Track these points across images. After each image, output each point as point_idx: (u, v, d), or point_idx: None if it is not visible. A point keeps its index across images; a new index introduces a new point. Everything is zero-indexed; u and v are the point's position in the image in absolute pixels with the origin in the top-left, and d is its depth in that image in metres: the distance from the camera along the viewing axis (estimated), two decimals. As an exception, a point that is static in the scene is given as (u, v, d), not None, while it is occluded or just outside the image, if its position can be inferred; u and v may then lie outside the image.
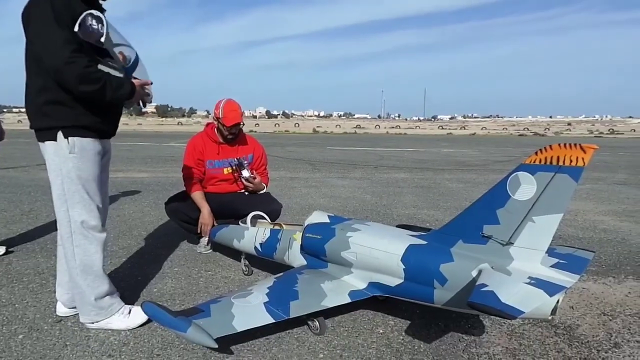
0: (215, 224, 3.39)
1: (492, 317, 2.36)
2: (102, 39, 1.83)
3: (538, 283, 1.69)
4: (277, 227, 2.88)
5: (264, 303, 2.03)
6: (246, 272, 3.06)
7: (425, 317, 2.46)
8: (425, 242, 2.10)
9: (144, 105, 2.11)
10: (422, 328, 2.35)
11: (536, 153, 1.77)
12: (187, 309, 2.13)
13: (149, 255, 3.50)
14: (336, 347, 2.20)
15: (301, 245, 2.51)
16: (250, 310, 2.01)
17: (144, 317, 2.34)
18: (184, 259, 3.43)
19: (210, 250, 3.56)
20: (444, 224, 2.09)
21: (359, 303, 2.30)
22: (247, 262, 3.07)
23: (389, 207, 5.52)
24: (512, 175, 1.83)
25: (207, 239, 3.40)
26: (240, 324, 1.95)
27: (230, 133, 3.47)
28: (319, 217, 2.55)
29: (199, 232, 3.44)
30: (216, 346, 1.87)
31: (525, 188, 1.80)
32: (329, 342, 2.23)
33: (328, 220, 2.52)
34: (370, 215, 5.05)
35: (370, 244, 2.20)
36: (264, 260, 3.04)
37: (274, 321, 1.99)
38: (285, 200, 5.75)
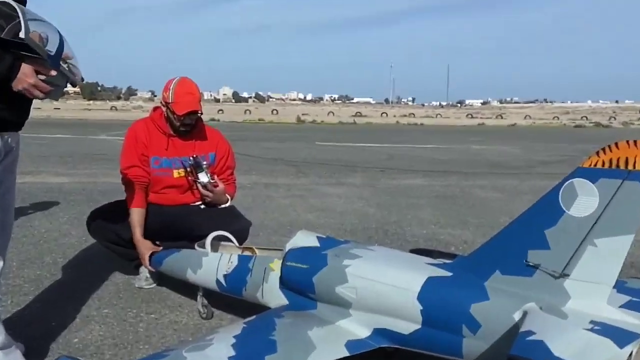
0: (159, 247, 3.37)
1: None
2: None
3: (604, 329, 1.68)
4: (247, 253, 2.86)
5: (229, 358, 2.01)
6: (204, 315, 3.05)
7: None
8: (450, 274, 2.11)
9: (71, 85, 2.09)
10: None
11: (598, 153, 1.78)
12: None
13: (68, 290, 3.46)
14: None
15: (281, 278, 2.50)
16: None
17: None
18: (117, 296, 3.40)
19: (154, 285, 3.54)
20: (474, 247, 2.09)
21: (360, 357, 2.28)
22: (205, 301, 3.06)
23: (400, 224, 5.55)
24: (567, 182, 1.84)
25: (148, 269, 3.38)
26: None
27: (184, 124, 3.47)
28: (305, 239, 2.54)
29: (137, 258, 3.42)
30: None
31: (584, 200, 1.80)
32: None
33: (317, 244, 2.50)
34: (374, 236, 5.07)
35: (375, 275, 2.19)
36: (230, 299, 3.02)
37: None
38: (258, 215, 5.74)
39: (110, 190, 7.02)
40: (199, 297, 3.06)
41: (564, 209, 1.83)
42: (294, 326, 2.23)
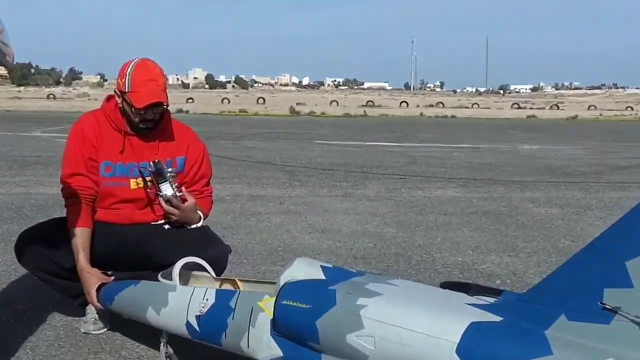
0: (109, 278, 3.37)
1: None
2: None
3: None
4: (227, 287, 2.85)
5: None
6: (169, 367, 3.03)
7: None
8: (500, 319, 2.09)
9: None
10: None
11: None
12: None
13: (-8, 338, 3.44)
14: None
15: (273, 321, 2.48)
16: None
17: None
18: (56, 344, 3.38)
19: (105, 329, 3.52)
20: (527, 281, 2.08)
21: None
22: (170, 351, 3.03)
23: (427, 250, 5.55)
24: None
25: (96, 307, 3.37)
26: None
27: (145, 120, 3.47)
28: (305, 269, 2.53)
29: (82, 294, 3.41)
30: None
31: None
32: None
33: (322, 276, 2.48)
34: (394, 265, 5.08)
35: (400, 320, 2.17)
36: (204, 347, 3.01)
37: None
38: (241, 237, 5.75)
39: (46, 205, 7.04)
40: (162, 345, 3.03)
41: None
42: None
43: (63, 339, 3.44)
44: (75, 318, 3.65)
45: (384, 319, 2.19)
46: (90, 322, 3.52)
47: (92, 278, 3.31)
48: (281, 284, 2.50)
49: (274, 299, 2.49)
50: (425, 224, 6.57)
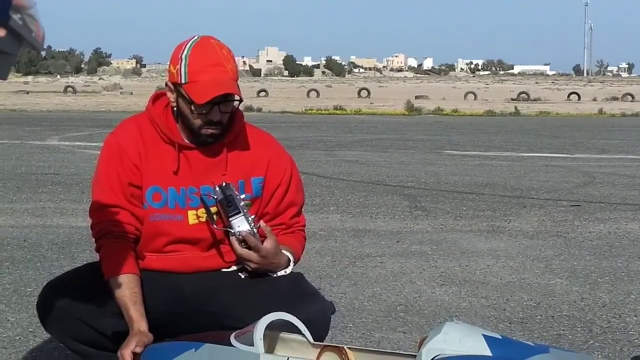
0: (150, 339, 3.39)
1: None
2: None
3: None
4: (331, 357, 2.90)
5: None
6: None
7: None
8: None
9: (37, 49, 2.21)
10: None
11: None
12: None
13: None
14: None
15: (416, 417, 2.50)
16: None
17: None
18: None
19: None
20: None
21: None
22: None
23: (617, 311, 5.45)
24: None
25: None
26: None
27: (209, 123, 3.52)
28: (459, 338, 2.54)
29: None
30: None
31: None
32: None
33: (487, 350, 2.49)
34: (569, 333, 5.00)
35: None
36: None
37: None
38: (343, 290, 5.80)
39: (70, 242, 7.27)
40: None
41: None
42: None
43: None
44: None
45: None
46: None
47: (131, 339, 3.36)
48: (427, 359, 2.52)
49: None
50: (612, 273, 6.47)
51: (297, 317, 3.15)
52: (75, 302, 3.51)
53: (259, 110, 35.12)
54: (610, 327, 5.10)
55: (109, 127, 3.78)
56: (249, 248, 3.48)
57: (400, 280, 6.21)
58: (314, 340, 3.10)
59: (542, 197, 10.74)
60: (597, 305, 5.59)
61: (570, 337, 4.91)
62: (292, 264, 3.63)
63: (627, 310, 5.46)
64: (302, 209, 3.80)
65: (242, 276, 3.63)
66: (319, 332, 3.37)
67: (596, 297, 5.78)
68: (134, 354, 3.22)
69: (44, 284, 3.69)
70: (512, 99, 45.56)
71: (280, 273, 3.61)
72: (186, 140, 3.52)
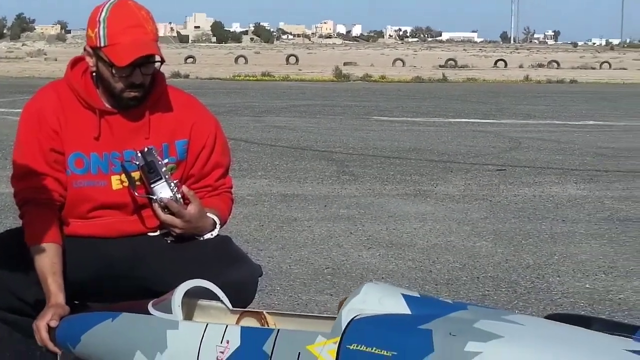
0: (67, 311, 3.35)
1: None
2: None
3: None
4: (252, 323, 2.90)
5: None
6: None
7: None
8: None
9: None
10: None
11: None
12: None
13: None
14: None
15: (336, 375, 2.50)
16: None
17: None
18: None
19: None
20: None
21: None
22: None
23: (540, 272, 5.55)
24: None
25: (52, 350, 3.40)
26: None
27: (131, 86, 3.48)
28: (379, 298, 2.54)
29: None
30: None
31: None
32: None
33: (406, 309, 2.50)
34: (494, 293, 5.09)
35: None
36: None
37: None
38: (271, 254, 5.81)
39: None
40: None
41: None
42: None
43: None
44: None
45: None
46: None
47: (46, 310, 3.32)
48: (347, 320, 2.53)
49: (335, 341, 2.51)
50: (536, 236, 6.56)
51: (224, 280, 3.15)
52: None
53: (187, 76, 34.73)
54: (534, 287, 5.18)
55: (32, 94, 3.71)
56: (172, 214, 3.47)
57: (327, 243, 6.22)
58: (241, 303, 3.09)
59: (468, 162, 10.83)
60: (521, 266, 5.67)
61: (495, 297, 4.98)
62: (218, 226, 3.61)
63: (550, 271, 5.55)
64: (229, 171, 3.78)
65: (169, 241, 3.60)
66: (247, 295, 3.39)
67: (520, 259, 5.86)
68: (49, 327, 3.20)
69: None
70: (440, 66, 45.77)
71: (207, 236, 3.59)
72: (107, 105, 3.46)
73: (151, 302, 3.00)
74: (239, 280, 3.34)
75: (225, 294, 3.06)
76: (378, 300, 2.52)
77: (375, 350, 2.37)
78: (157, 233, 3.60)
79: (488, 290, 5.11)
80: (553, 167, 10.37)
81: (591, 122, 17.11)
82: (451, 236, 6.55)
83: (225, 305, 3.02)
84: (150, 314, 2.96)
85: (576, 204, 7.91)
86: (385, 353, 2.35)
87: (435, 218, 7.21)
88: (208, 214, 3.55)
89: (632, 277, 5.43)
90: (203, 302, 3.05)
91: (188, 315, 2.98)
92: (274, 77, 37.88)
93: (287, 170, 9.91)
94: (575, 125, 16.31)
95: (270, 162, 10.57)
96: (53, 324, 3.17)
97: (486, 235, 6.56)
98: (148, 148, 3.42)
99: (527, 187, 8.90)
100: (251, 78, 37.24)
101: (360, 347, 2.40)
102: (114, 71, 3.36)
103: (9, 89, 23.54)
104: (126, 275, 3.50)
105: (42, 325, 3.19)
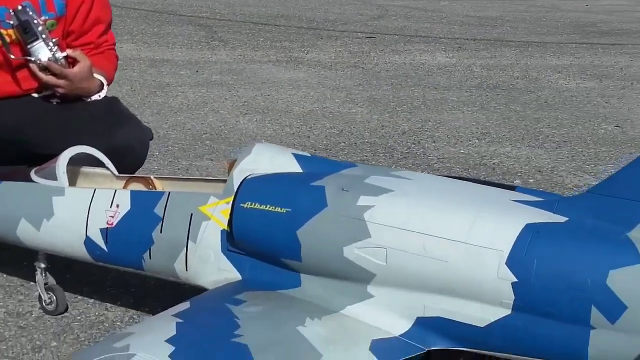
0: None
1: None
2: None
3: None
4: (138, 187, 2.91)
5: None
6: (50, 306, 3.10)
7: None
8: (566, 218, 2.17)
9: None
10: None
11: None
12: None
13: None
14: None
15: (227, 233, 2.54)
16: None
17: None
18: None
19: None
20: (557, 180, 2.14)
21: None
22: (51, 280, 3.09)
23: (416, 138, 5.65)
24: None
25: None
26: None
27: None
28: (270, 157, 2.57)
29: None
30: None
31: None
32: None
33: (297, 167, 2.53)
34: (372, 158, 5.17)
35: (423, 224, 2.24)
36: (102, 272, 3.07)
37: None
38: (146, 119, 5.69)
39: None
40: (38, 274, 3.07)
41: None
42: (270, 319, 2.28)
43: None
44: None
45: (400, 224, 2.26)
46: None
47: None
48: (239, 180, 2.53)
49: (228, 201, 2.52)
50: (410, 102, 6.65)
51: (113, 142, 3.15)
52: None
53: None
54: (410, 153, 5.28)
55: None
56: (54, 75, 3.37)
57: (203, 109, 6.20)
58: (131, 167, 3.14)
59: (337, 29, 10.80)
60: (397, 132, 5.75)
61: (373, 162, 5.05)
62: (105, 87, 3.59)
63: (425, 137, 5.66)
64: (110, 27, 3.71)
65: (54, 103, 3.54)
66: (137, 158, 3.42)
67: (396, 125, 5.95)
68: None
69: None
70: None
71: (95, 97, 3.55)
72: None
73: (33, 169, 2.97)
74: (129, 143, 3.34)
75: (114, 157, 3.03)
76: (269, 159, 2.56)
77: (269, 207, 2.41)
78: (42, 94, 3.52)
79: (366, 156, 5.18)
80: (421, 35, 10.46)
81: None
82: (326, 102, 6.58)
83: (111, 172, 3.02)
84: (33, 181, 2.93)
85: (446, 72, 8.05)
86: (279, 210, 2.39)
87: (308, 85, 7.22)
88: (95, 75, 3.49)
89: (504, 142, 5.58)
90: (87, 169, 3.03)
91: (72, 183, 2.94)
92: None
93: (154, 34, 9.74)
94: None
95: (135, 26, 10.35)
96: None
97: (361, 102, 6.62)
98: (22, 5, 3.31)
99: (397, 54, 8.97)
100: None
101: (254, 205, 2.43)
102: None
103: None
104: (9, 139, 3.41)
105: None
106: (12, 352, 2.87)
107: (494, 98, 6.94)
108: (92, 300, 3.20)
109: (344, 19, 12.01)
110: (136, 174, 3.13)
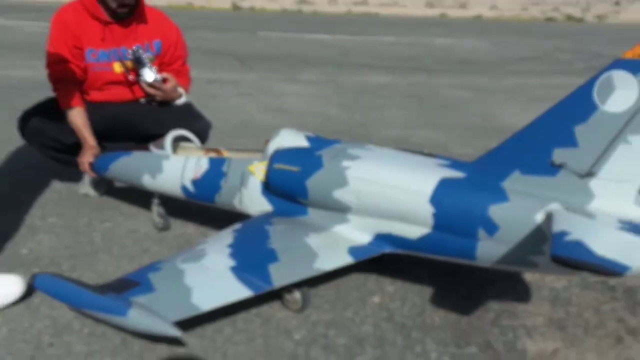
0: (98, 153, 3.32)
1: (529, 282, 2.59)
2: None
3: (634, 229, 1.79)
4: (212, 155, 2.90)
5: (231, 269, 2.10)
6: (160, 226, 3.11)
7: (438, 281, 2.65)
8: (464, 174, 2.22)
9: None
10: (434, 296, 2.54)
11: None
12: (112, 281, 2.16)
13: (3, 199, 3.44)
14: (317, 324, 2.33)
15: (267, 182, 2.57)
16: (214, 279, 2.09)
17: (16, 293, 2.35)
18: (61, 204, 3.41)
19: (100, 193, 3.59)
20: (451, 151, 2.18)
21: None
22: (162, 210, 3.11)
23: (367, 126, 5.65)
24: (604, 75, 1.91)
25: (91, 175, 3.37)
26: (205, 301, 2.03)
27: (122, 4, 3.34)
28: (290, 138, 2.61)
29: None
30: (178, 334, 1.94)
31: (622, 94, 1.87)
32: (306, 318, 2.37)
33: (306, 144, 2.57)
34: (340, 139, 5.10)
35: (381, 177, 2.29)
36: (185, 207, 3.05)
37: (252, 294, 2.09)
38: (207, 115, 5.69)
39: (39, 85, 6.73)
40: (154, 205, 3.10)
41: (598, 103, 1.91)
42: (288, 233, 2.36)
43: (64, 201, 3.48)
44: (72, 184, 3.68)
45: (367, 176, 2.33)
46: (87, 183, 3.58)
47: (86, 151, 3.30)
48: (272, 151, 2.56)
49: (264, 163, 2.59)
50: (363, 105, 6.62)
51: (190, 129, 3.18)
52: (45, 122, 3.41)
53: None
54: (363, 135, 5.22)
55: (54, 11, 3.49)
56: (154, 88, 3.44)
57: (237, 110, 6.13)
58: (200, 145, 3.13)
59: (319, 61, 10.55)
60: (355, 123, 5.72)
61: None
62: (184, 96, 3.62)
63: (371, 126, 5.62)
64: (186, 61, 3.72)
65: (154, 105, 3.57)
66: (204, 139, 3.49)
67: (354, 119, 5.91)
68: (90, 162, 3.24)
69: (23, 112, 3.47)
70: (297, 2, 44.05)
71: (178, 102, 3.60)
72: (108, 18, 3.37)
73: (151, 143, 3.04)
74: (201, 130, 3.42)
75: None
76: (290, 138, 2.63)
77: (290, 167, 2.48)
78: (146, 100, 3.58)
79: (337, 137, 4.94)
80: (371, 65, 10.20)
81: (389, 37, 16.92)
82: (314, 105, 6.48)
83: (197, 145, 3.07)
84: (151, 151, 2.99)
85: (385, 87, 7.92)
86: (294, 169, 2.46)
87: (303, 95, 7.08)
88: (178, 89, 3.54)
89: (417, 128, 5.57)
90: (184, 143, 3.07)
91: (174, 151, 3.00)
92: (192, 6, 35.43)
93: (209, 65, 9.41)
94: (382, 41, 16.03)
95: (199, 59, 9.82)
96: (92, 159, 3.24)
97: (335, 105, 6.54)
98: (136, 46, 3.40)
99: (348, 76, 8.81)
100: (180, 7, 34.80)
101: (281, 166, 2.51)
102: None
103: (32, 9, 21.59)
104: (128, 126, 3.47)
105: (84, 160, 3.26)
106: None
107: (413, 102, 6.91)
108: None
109: (320, 56, 11.70)
110: (211, 147, 3.16)
